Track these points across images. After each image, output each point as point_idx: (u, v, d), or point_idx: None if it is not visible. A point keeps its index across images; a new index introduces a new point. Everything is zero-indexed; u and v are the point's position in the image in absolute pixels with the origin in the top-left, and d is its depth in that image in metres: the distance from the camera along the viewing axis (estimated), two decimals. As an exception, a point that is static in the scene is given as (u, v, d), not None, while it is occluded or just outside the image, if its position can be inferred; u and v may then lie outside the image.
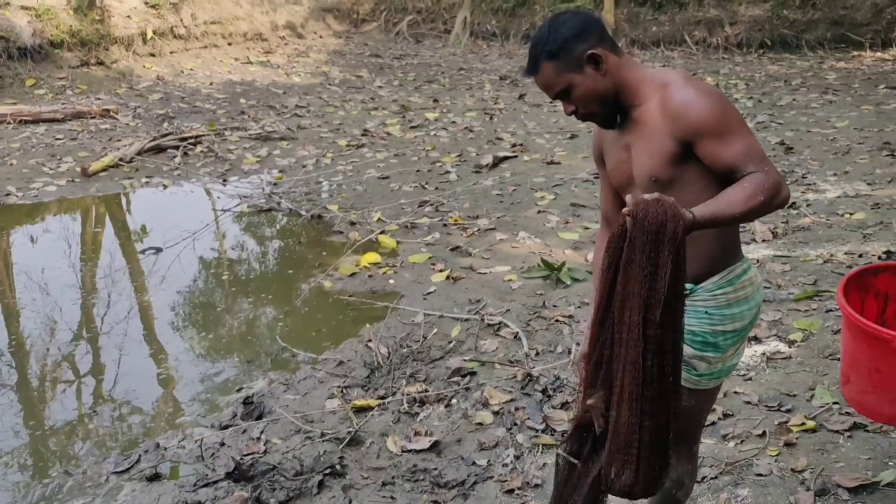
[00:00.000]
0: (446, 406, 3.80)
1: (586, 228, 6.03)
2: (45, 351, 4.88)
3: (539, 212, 6.57)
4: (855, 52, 14.16)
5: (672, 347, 1.86)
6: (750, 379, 3.71)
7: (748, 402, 3.50)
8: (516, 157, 8.41)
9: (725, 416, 3.42)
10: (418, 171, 8.08)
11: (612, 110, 2.13)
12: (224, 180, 8.15)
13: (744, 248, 5.00)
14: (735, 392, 3.58)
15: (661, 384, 1.86)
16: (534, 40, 2.10)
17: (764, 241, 5.47)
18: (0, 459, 3.67)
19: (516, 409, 3.69)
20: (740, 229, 2.26)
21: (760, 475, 2.99)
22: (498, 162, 8.17)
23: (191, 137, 9.28)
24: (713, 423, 3.37)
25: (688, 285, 2.07)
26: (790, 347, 3.94)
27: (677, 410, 1.94)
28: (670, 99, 2.01)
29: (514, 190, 7.23)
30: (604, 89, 2.08)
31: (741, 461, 3.09)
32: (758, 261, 5.04)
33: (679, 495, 2.35)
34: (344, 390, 4.02)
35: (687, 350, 2.11)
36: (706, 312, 2.10)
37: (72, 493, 3.36)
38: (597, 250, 2.41)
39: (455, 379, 4.03)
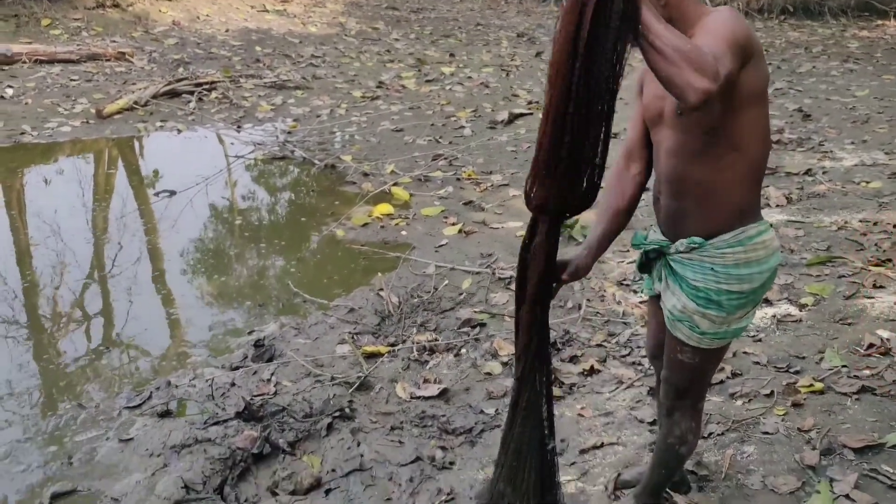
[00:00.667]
0: (455, 355, 3.83)
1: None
2: (57, 291, 4.92)
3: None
4: (879, 21, 13.93)
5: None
6: (760, 340, 3.72)
7: (757, 363, 3.52)
8: (532, 114, 8.34)
9: (734, 375, 3.43)
10: (433, 124, 8.03)
11: None
12: (238, 127, 8.13)
13: (759, 211, 4.99)
14: (744, 352, 3.59)
15: (589, 105, 1.80)
16: None
17: (778, 206, 5.45)
18: (15, 393, 3.72)
19: (525, 360, 3.70)
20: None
21: (767, 433, 3.01)
22: (513, 118, 8.12)
23: (206, 83, 9.23)
24: (721, 382, 3.39)
25: (697, 239, 2.08)
26: (801, 311, 3.94)
27: (600, 135, 1.88)
28: (704, 23, 1.95)
29: (529, 147, 7.18)
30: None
31: (748, 419, 3.11)
32: (771, 225, 5.01)
33: (682, 451, 2.37)
34: (354, 336, 4.05)
35: (689, 305, 2.11)
36: (712, 269, 2.08)
37: (85, 425, 3.41)
38: (609, 188, 2.31)
39: (465, 329, 4.05)
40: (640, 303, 4.08)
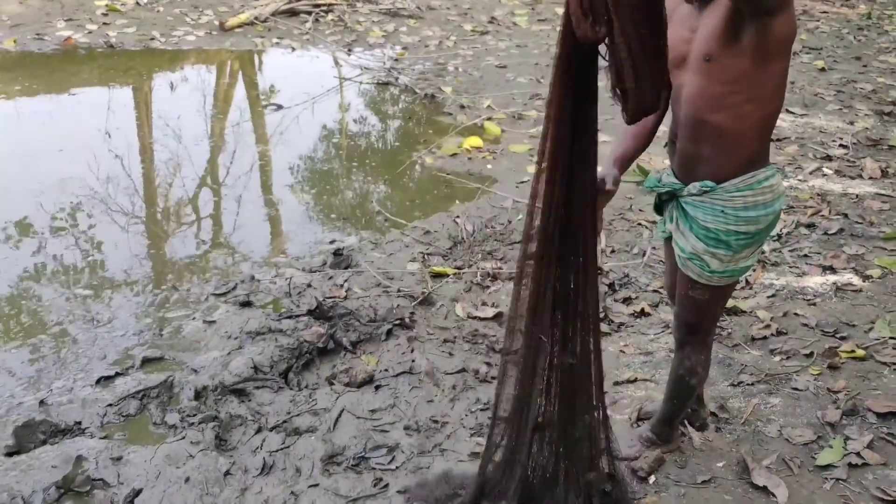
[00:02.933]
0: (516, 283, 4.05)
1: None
2: (170, 188, 5.40)
3: (648, 119, 6.55)
4: None
5: None
6: (814, 304, 3.79)
7: (805, 325, 3.60)
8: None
9: (779, 333, 3.53)
10: (537, 64, 8.11)
11: None
12: (349, 50, 8.43)
13: (847, 181, 4.95)
14: (795, 313, 3.68)
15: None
16: None
17: (871, 178, 5.35)
18: (121, 270, 4.18)
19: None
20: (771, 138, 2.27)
21: (796, 389, 3.13)
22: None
23: (324, 4, 9.55)
24: (764, 338, 3.50)
25: (709, 183, 2.19)
26: (864, 282, 3.96)
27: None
28: None
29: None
30: None
31: (781, 374, 3.23)
32: (857, 196, 4.98)
33: (693, 382, 2.55)
34: (426, 256, 4.33)
35: (699, 246, 2.25)
36: (722, 211, 2.19)
37: (176, 304, 3.84)
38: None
39: (530, 262, 4.25)
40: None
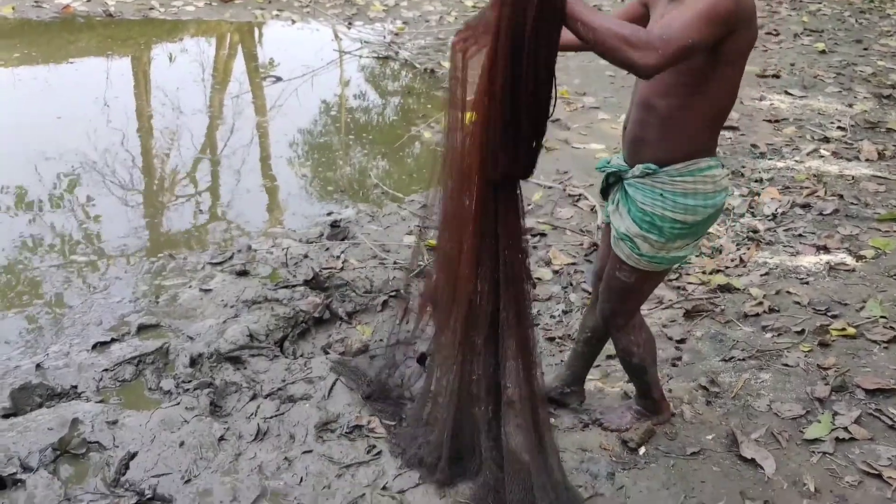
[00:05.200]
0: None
1: (690, 121, 6.02)
2: (167, 157, 5.39)
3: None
4: None
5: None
6: (807, 283, 3.81)
7: (797, 303, 3.63)
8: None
9: (771, 310, 3.56)
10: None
11: None
12: (349, 24, 8.39)
13: (844, 163, 4.96)
14: (788, 292, 3.70)
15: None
16: None
17: (868, 160, 5.36)
18: (119, 239, 4.19)
19: (575, 271, 3.93)
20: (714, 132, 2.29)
21: (787, 365, 3.16)
22: (619, 44, 8.06)
23: (324, -23, 9.48)
24: (756, 315, 3.53)
25: (651, 166, 2.23)
26: (857, 262, 3.98)
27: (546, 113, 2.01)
28: None
29: (629, 73, 7.18)
30: None
31: (772, 350, 3.26)
32: (853, 177, 4.99)
33: (635, 361, 2.57)
34: (422, 230, 4.33)
35: (633, 228, 2.28)
36: (661, 194, 2.21)
37: (173, 272, 3.86)
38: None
39: (525, 237, 4.27)
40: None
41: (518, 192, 2.20)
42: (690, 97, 2.13)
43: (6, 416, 2.81)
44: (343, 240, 4.22)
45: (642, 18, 2.31)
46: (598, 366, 3.20)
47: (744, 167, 5.18)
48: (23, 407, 2.88)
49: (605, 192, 2.50)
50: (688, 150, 2.20)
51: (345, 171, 5.30)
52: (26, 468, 2.57)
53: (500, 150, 2.03)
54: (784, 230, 4.32)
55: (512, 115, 1.97)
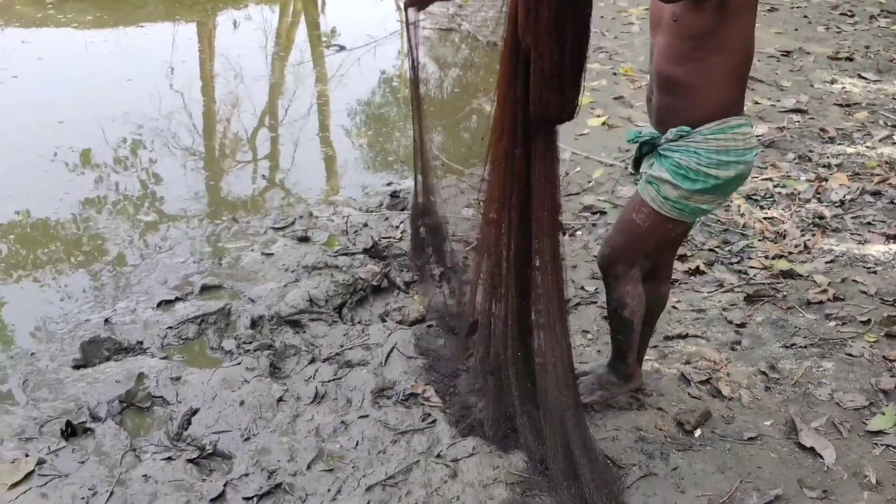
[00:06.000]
0: (570, 235, 4.05)
1: (756, 103, 5.88)
2: (230, 123, 5.47)
3: (714, 78, 6.41)
4: None
5: None
6: (875, 272, 3.72)
7: (864, 292, 3.54)
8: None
9: (836, 298, 3.48)
10: (602, 16, 7.96)
11: None
12: (413, -6, 8.36)
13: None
14: (854, 280, 3.62)
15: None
16: None
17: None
18: (182, 201, 4.28)
19: (635, 251, 3.88)
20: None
21: (850, 355, 3.09)
22: (687, 21, 7.91)
23: (389, -53, 9.46)
24: (820, 303, 3.45)
25: (685, 128, 2.24)
26: (930, 253, 3.87)
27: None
28: None
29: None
30: None
31: (835, 339, 3.19)
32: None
33: (626, 314, 2.53)
34: (481, 203, 4.33)
35: (664, 175, 2.27)
36: (696, 153, 2.24)
37: (236, 236, 3.93)
38: None
39: (584, 214, 4.25)
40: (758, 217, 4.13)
41: (556, 138, 2.21)
42: (708, 59, 2.16)
43: (77, 367, 2.92)
44: (402, 210, 4.25)
45: None
46: (655, 346, 3.18)
47: (811, 151, 5.04)
48: (92, 359, 2.98)
49: (636, 163, 2.50)
50: (717, 108, 2.22)
51: (404, 142, 5.32)
52: (95, 418, 2.66)
53: (545, 88, 2.03)
54: (852, 217, 4.21)
55: (559, 52, 1.97)
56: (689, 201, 2.30)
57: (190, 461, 2.49)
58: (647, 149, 2.41)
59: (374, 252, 3.76)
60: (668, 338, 3.23)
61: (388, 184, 4.59)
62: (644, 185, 2.36)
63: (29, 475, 2.37)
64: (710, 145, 2.23)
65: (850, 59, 6.89)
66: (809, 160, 4.92)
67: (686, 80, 2.21)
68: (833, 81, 6.35)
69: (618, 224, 2.46)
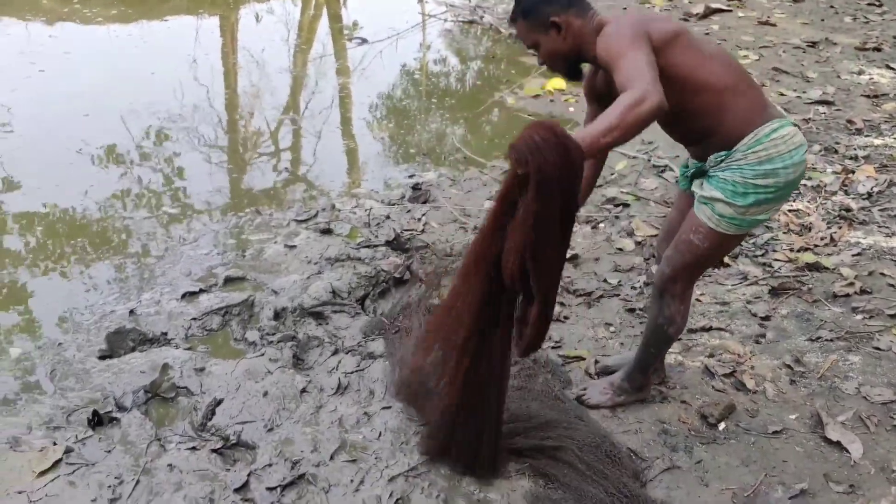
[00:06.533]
0: (593, 227, 4.04)
1: (782, 95, 5.82)
2: (252, 116, 5.50)
3: (738, 69, 6.35)
4: None
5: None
6: (903, 266, 3.67)
7: (892, 285, 3.49)
8: (731, 11, 8.01)
9: (863, 292, 3.44)
10: (625, 8, 7.90)
11: (573, 67, 2.37)
12: (435, -13, 8.36)
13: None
14: (881, 273, 3.57)
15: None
16: None
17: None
18: (206, 194, 4.31)
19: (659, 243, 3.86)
20: None
21: (878, 349, 3.05)
22: (709, 13, 7.84)
23: (411, -60, 9.45)
24: (847, 296, 3.42)
25: (721, 154, 2.25)
26: (958, 246, 3.81)
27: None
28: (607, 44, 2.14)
29: (719, 44, 6.97)
30: (565, 51, 2.30)
31: (862, 333, 3.15)
32: (794, 124, 4.76)
33: (670, 331, 2.52)
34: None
35: (716, 194, 2.26)
36: (740, 169, 2.22)
37: (259, 228, 3.95)
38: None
39: (608, 206, 4.23)
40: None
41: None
42: (693, 103, 2.18)
43: (102, 358, 2.95)
44: (424, 202, 4.25)
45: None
46: (679, 339, 3.16)
47: (838, 143, 4.99)
48: (117, 350, 3.01)
49: (689, 181, 2.51)
50: (740, 126, 2.22)
51: (426, 135, 5.31)
52: (121, 407, 2.69)
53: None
54: (879, 210, 4.16)
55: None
56: (746, 216, 2.27)
57: (214, 451, 2.51)
58: (696, 172, 2.42)
59: (396, 244, 3.76)
60: (691, 331, 3.21)
61: (411, 176, 4.60)
62: (699, 205, 2.35)
63: (57, 463, 2.40)
64: (751, 159, 2.21)
65: (878, 50, 6.80)
66: (836, 152, 4.87)
67: (694, 126, 2.24)
68: (860, 72, 6.27)
69: (677, 245, 2.43)
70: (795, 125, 2.28)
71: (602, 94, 2.42)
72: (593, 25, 2.26)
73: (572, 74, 2.42)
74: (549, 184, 1.80)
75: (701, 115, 2.22)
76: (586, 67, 2.46)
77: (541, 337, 2.08)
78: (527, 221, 1.85)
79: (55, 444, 2.48)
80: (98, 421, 2.61)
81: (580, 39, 2.27)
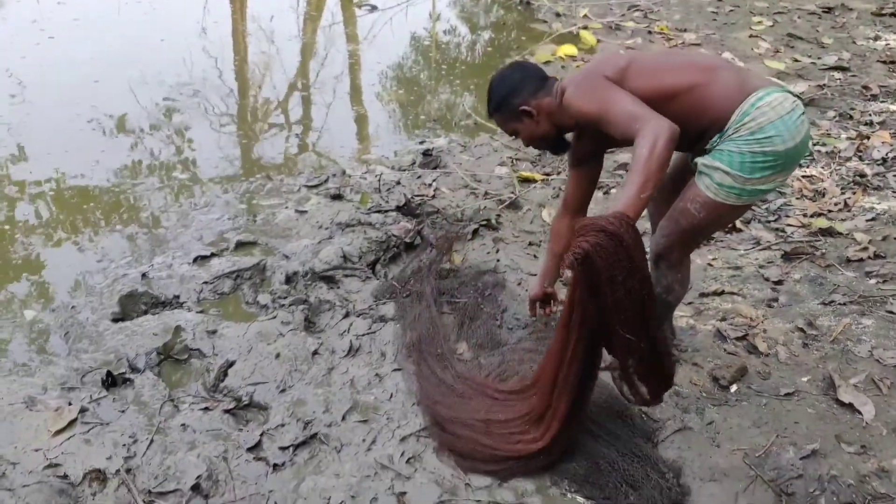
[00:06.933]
0: (605, 193, 4.01)
1: (796, 61, 5.75)
2: (262, 85, 5.47)
3: (751, 36, 6.29)
4: None
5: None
6: (917, 231, 3.64)
7: (906, 251, 3.48)
8: (746, -24, 7.90)
9: (876, 256, 3.42)
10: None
11: (558, 141, 2.47)
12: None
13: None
14: (895, 238, 3.55)
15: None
16: (487, 92, 2.47)
17: None
18: (217, 160, 4.30)
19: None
20: None
21: (891, 312, 3.04)
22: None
23: None
24: (860, 260, 3.40)
25: (714, 139, 2.24)
26: (974, 211, 3.78)
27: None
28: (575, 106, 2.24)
29: (732, 10, 6.89)
30: (542, 131, 2.43)
31: (876, 297, 3.14)
32: (787, 91, 4.71)
33: (669, 299, 2.52)
34: (514, 161, 4.31)
35: (716, 164, 2.23)
36: (736, 144, 2.20)
37: (270, 193, 3.94)
38: (552, 234, 2.70)
39: (620, 172, 4.21)
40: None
41: None
42: (663, 113, 2.12)
43: (115, 321, 2.96)
44: (435, 168, 4.23)
45: (590, 173, 2.54)
46: (690, 303, 3.15)
47: (853, 109, 4.94)
48: (130, 313, 3.03)
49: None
50: (722, 111, 2.22)
51: (437, 101, 5.28)
52: (134, 369, 2.71)
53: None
54: (894, 175, 4.12)
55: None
56: (746, 185, 2.24)
57: (227, 412, 2.52)
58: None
59: (406, 210, 3.76)
60: (703, 294, 3.20)
61: (421, 142, 4.57)
62: (699, 175, 2.32)
63: (72, 423, 2.42)
64: (743, 132, 2.20)
65: (895, 15, 6.71)
66: (851, 118, 4.82)
67: (684, 131, 2.15)
68: (876, 38, 6.19)
69: (673, 214, 2.41)
70: (789, 91, 2.25)
71: (585, 159, 2.48)
72: (558, 98, 2.31)
73: (559, 149, 2.53)
74: (613, 281, 1.91)
75: (685, 118, 2.19)
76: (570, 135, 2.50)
77: (668, 380, 2.21)
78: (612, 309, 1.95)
79: (70, 404, 2.50)
80: (112, 382, 2.63)
81: (554, 117, 2.38)
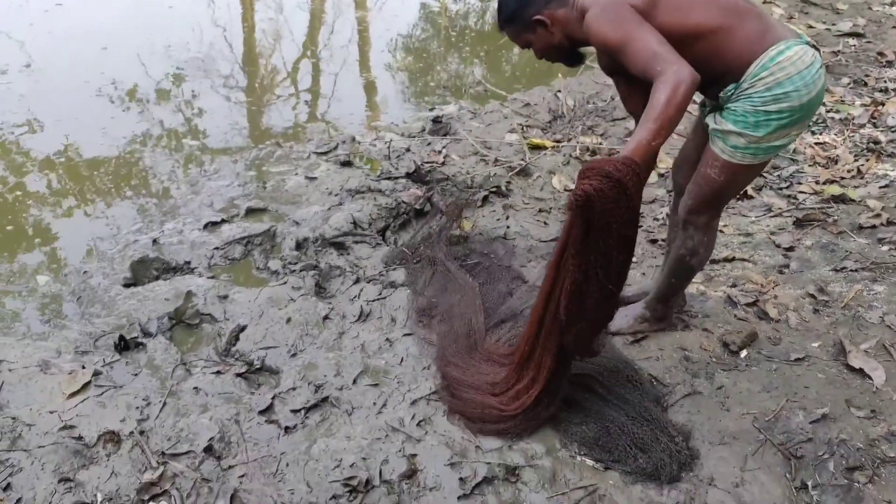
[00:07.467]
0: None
1: (810, 27, 5.67)
2: (272, 53, 5.44)
3: (765, 2, 6.19)
4: None
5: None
6: (931, 198, 3.62)
7: (919, 217, 3.45)
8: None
9: (889, 223, 3.40)
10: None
11: (572, 54, 2.37)
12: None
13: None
14: (909, 205, 3.53)
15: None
16: (497, 4, 2.37)
17: None
18: (227, 127, 4.29)
19: (681, 176, 3.82)
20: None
21: (903, 280, 3.03)
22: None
23: None
24: (873, 227, 3.38)
25: (731, 86, 2.18)
26: None
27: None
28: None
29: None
30: (557, 42, 2.30)
31: (888, 263, 3.12)
32: (808, 43, 4.64)
33: (693, 262, 2.50)
34: (524, 128, 4.28)
35: (728, 126, 2.20)
36: (750, 98, 2.16)
37: (279, 160, 3.94)
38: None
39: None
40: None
41: None
42: (685, 52, 2.06)
43: (127, 286, 2.98)
44: (445, 135, 4.21)
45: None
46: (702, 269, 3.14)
47: (867, 76, 4.88)
48: (141, 278, 3.04)
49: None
50: (743, 56, 2.15)
51: (447, 68, 5.25)
52: (146, 333, 2.73)
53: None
54: (908, 142, 4.08)
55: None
56: (761, 143, 2.22)
57: (238, 375, 2.54)
58: (712, 107, 2.36)
59: (416, 176, 3.75)
60: (714, 261, 3.20)
61: (431, 109, 4.55)
62: (713, 138, 2.31)
63: (86, 386, 2.44)
64: (759, 87, 2.15)
65: (912, -20, 6.60)
66: (865, 84, 4.77)
67: (701, 74, 2.07)
68: (893, 3, 6.10)
69: (696, 178, 2.40)
70: (808, 43, 2.21)
71: (617, 69, 2.34)
72: (576, 12, 2.23)
73: (574, 61, 2.44)
74: (608, 227, 1.91)
75: (704, 61, 2.13)
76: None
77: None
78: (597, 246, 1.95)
79: (84, 367, 2.52)
80: (124, 346, 2.65)
81: (568, 28, 2.27)
